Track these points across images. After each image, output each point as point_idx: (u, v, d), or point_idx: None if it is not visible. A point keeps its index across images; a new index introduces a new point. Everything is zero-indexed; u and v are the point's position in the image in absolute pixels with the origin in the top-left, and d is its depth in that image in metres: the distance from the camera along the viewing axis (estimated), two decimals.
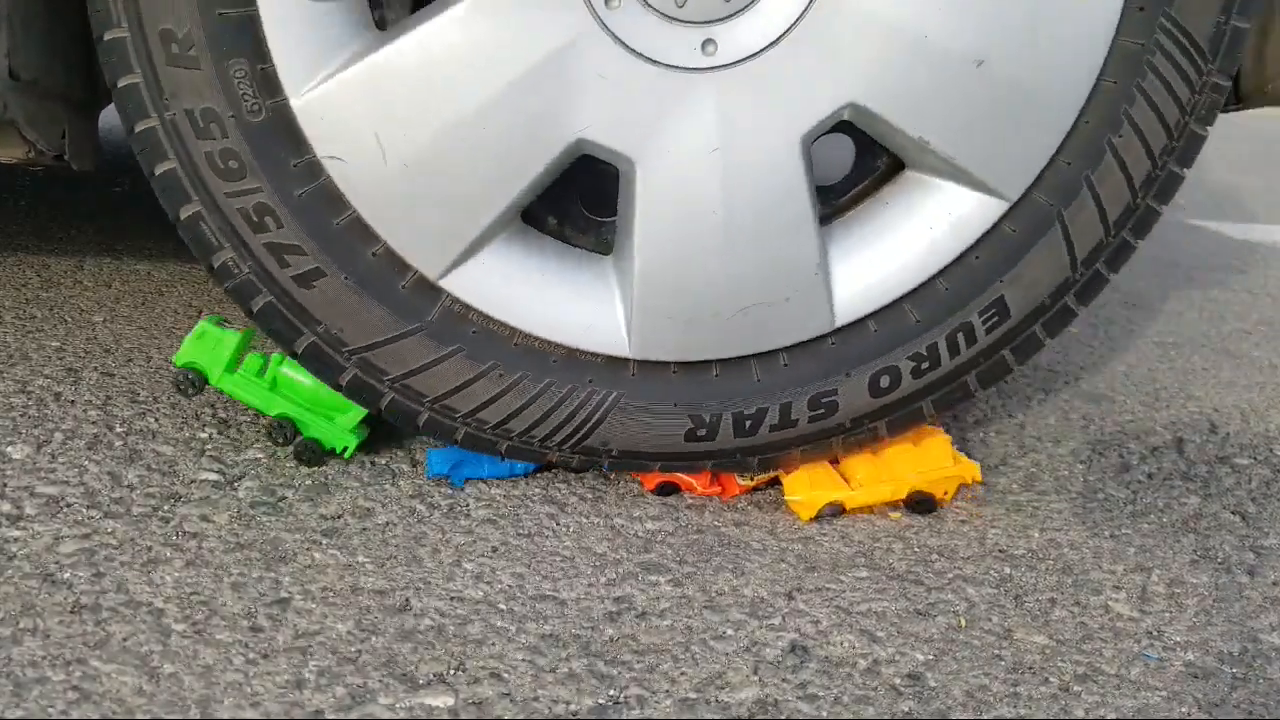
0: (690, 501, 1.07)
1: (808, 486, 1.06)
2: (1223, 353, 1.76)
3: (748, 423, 1.03)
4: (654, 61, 0.93)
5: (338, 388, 1.02)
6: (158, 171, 0.95)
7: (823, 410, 1.03)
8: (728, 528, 1.03)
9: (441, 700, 0.75)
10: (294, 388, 1.07)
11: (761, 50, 0.93)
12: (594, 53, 0.92)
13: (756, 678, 0.81)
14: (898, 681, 0.82)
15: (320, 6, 0.92)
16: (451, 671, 0.78)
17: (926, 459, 1.09)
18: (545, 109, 0.93)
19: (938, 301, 1.02)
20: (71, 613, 0.81)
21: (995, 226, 1.00)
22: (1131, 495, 1.18)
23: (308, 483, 1.04)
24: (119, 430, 1.11)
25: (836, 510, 1.06)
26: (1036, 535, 1.06)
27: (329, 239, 0.96)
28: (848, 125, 0.99)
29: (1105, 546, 1.05)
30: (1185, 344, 1.80)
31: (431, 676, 0.78)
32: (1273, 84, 1.13)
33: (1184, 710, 0.81)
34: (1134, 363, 1.67)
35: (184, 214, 0.96)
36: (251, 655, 0.78)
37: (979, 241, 1.01)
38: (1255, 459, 1.31)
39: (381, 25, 0.96)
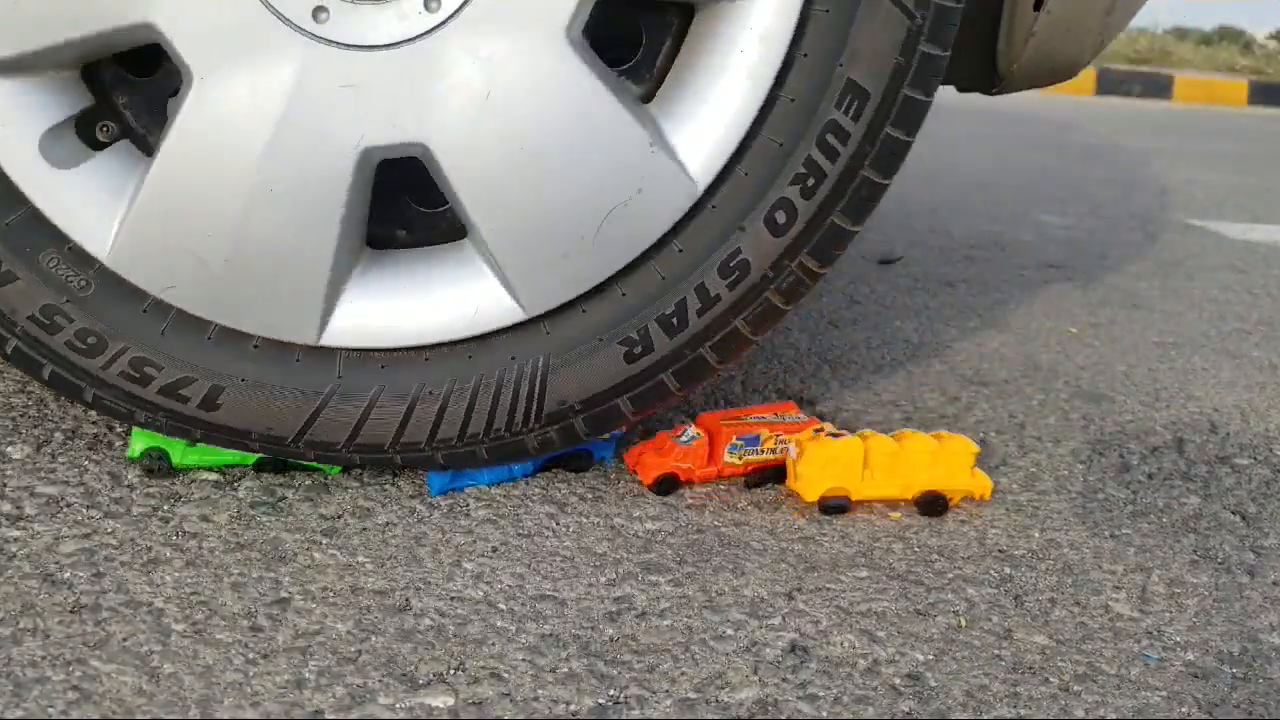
0: (690, 502, 1.07)
1: (818, 466, 1.06)
2: (1223, 353, 1.76)
3: (674, 320, 1.01)
4: (388, 45, 0.91)
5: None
6: (45, 378, 0.98)
7: (736, 273, 1.00)
8: (728, 528, 1.03)
9: (441, 700, 0.75)
10: None
11: None
12: (329, 65, 0.91)
13: (756, 678, 0.81)
14: (898, 681, 0.82)
15: (83, 169, 0.94)
16: (451, 671, 0.78)
17: (946, 463, 1.08)
18: (317, 140, 0.92)
19: (791, 116, 0.98)
20: (71, 612, 0.81)
21: (805, 12, 0.96)
22: (1131, 495, 1.18)
23: (308, 483, 1.04)
24: (119, 430, 1.11)
25: (842, 501, 1.06)
26: (1036, 535, 1.06)
27: (208, 356, 0.98)
28: None
29: (1105, 546, 1.05)
30: (1185, 344, 1.79)
31: (431, 676, 0.78)
32: (1018, 66, 1.13)
33: (1184, 710, 0.81)
34: (1134, 363, 1.67)
35: (88, 398, 0.99)
36: (251, 655, 0.78)
37: (796, 41, 0.96)
38: (1255, 459, 1.31)
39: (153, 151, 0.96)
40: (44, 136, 0.93)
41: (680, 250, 1.00)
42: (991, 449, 1.27)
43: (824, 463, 1.06)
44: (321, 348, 0.99)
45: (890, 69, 0.96)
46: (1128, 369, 1.63)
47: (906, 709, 0.78)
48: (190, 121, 0.91)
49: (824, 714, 0.77)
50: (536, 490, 1.07)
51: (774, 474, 1.11)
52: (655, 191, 0.97)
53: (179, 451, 1.03)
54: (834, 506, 1.06)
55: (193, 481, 1.03)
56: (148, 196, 0.93)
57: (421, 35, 0.91)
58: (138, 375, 0.98)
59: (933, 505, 1.07)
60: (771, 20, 0.95)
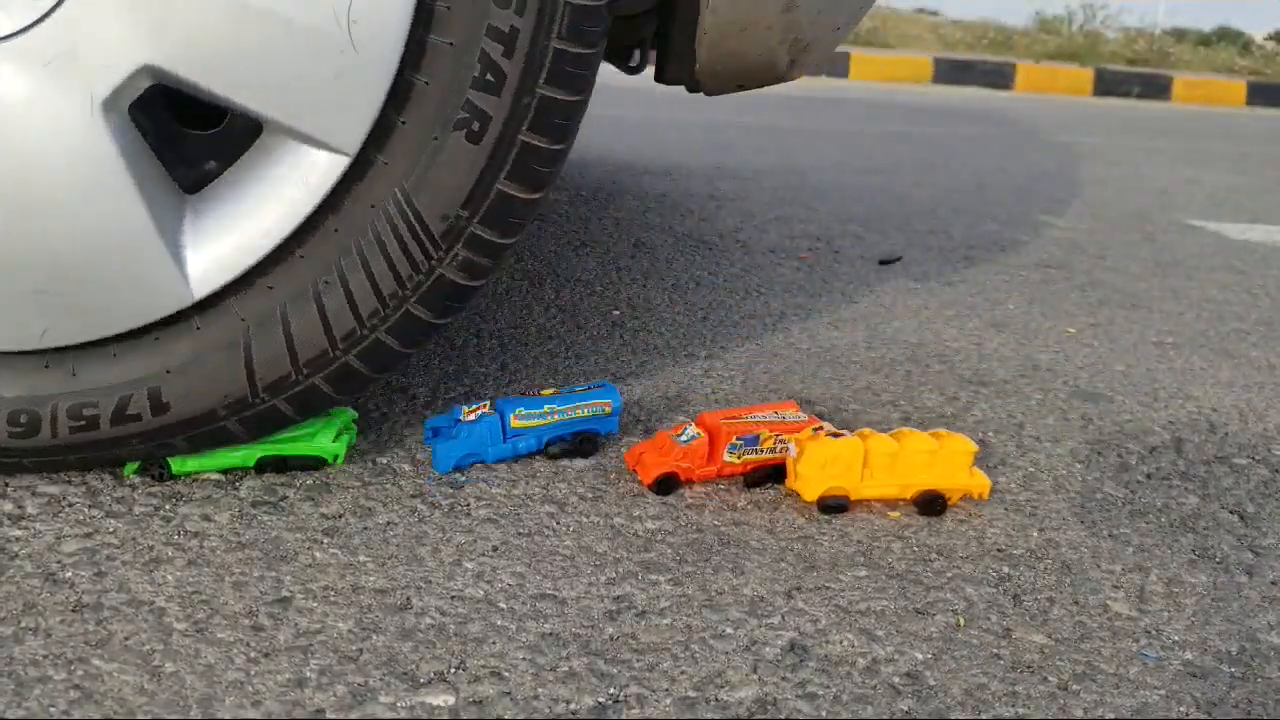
0: (690, 501, 1.07)
1: (818, 467, 1.06)
2: (1221, 353, 1.76)
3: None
4: None
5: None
6: None
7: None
8: (727, 527, 1.03)
9: (442, 699, 0.75)
10: None
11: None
12: None
13: (756, 676, 0.81)
14: (896, 680, 0.82)
15: None
16: (452, 670, 0.79)
17: (945, 462, 1.09)
18: None
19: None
20: (73, 611, 0.82)
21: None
22: (1130, 495, 1.18)
23: (309, 482, 1.04)
24: None
25: (842, 500, 1.06)
26: (1035, 535, 1.07)
27: None
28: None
29: (1104, 546, 1.06)
30: (1185, 344, 1.80)
31: (432, 675, 0.78)
32: (701, 66, 1.14)
33: (1182, 709, 0.81)
34: (1133, 363, 1.67)
35: None
36: (253, 654, 0.79)
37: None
38: (1253, 459, 1.31)
39: None
40: None
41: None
42: (990, 449, 1.27)
43: (824, 462, 1.06)
44: None
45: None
46: (1126, 369, 1.63)
47: (905, 708, 0.79)
48: None
49: (823, 713, 0.78)
50: (537, 490, 1.07)
51: (773, 474, 1.11)
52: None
53: (177, 461, 1.03)
54: (833, 506, 1.06)
55: (194, 481, 1.03)
56: None
57: None
58: None
59: (931, 505, 1.08)
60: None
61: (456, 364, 1.41)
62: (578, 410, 1.13)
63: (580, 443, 1.14)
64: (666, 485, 1.08)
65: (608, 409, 1.15)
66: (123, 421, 0.99)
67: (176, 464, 1.03)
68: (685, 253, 2.18)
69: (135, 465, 1.03)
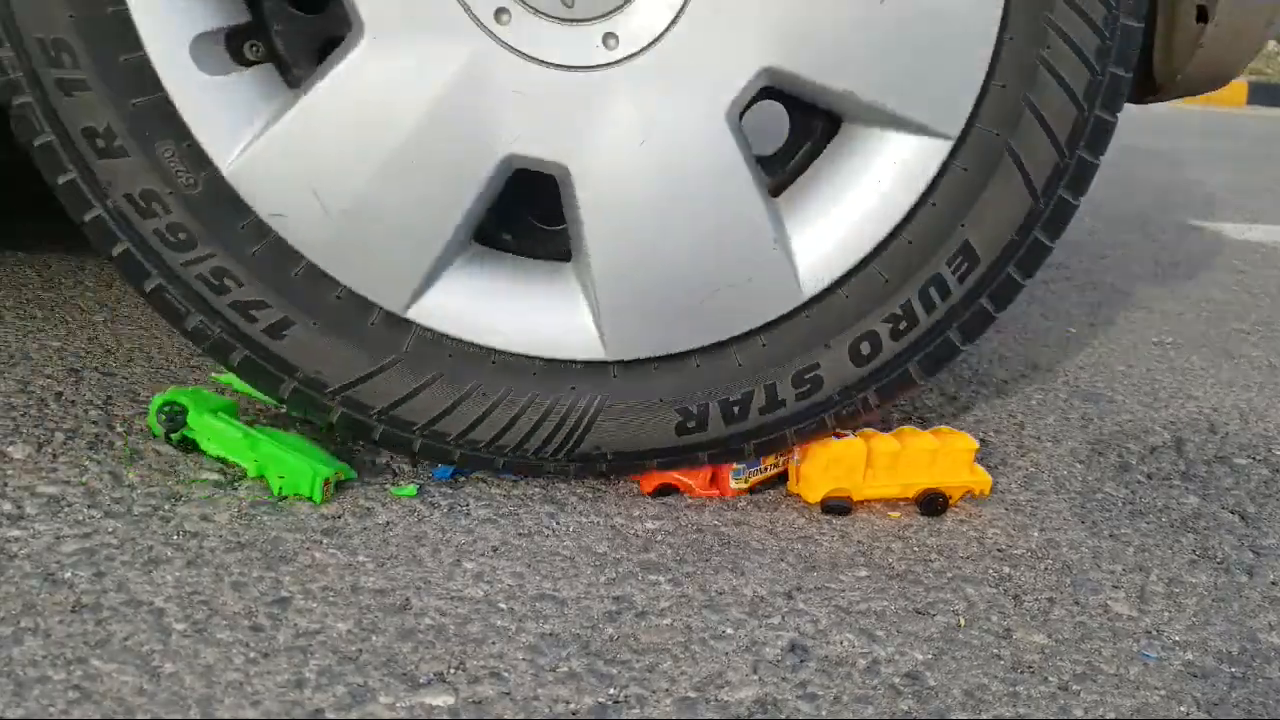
0: (690, 501, 1.07)
1: (821, 468, 1.06)
2: (1222, 353, 1.76)
3: (735, 409, 1.03)
4: (559, 65, 0.93)
5: (331, 426, 1.03)
6: (115, 254, 0.97)
7: (808, 386, 1.03)
8: (727, 527, 1.03)
9: (442, 699, 0.75)
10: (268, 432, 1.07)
11: (663, 33, 0.93)
12: (499, 67, 0.93)
13: (756, 677, 0.81)
14: (897, 681, 0.82)
15: (226, 79, 0.94)
16: (452, 670, 0.79)
17: (946, 461, 1.09)
18: (467, 131, 0.94)
19: (903, 258, 1.01)
20: (72, 612, 0.82)
21: (945, 165, 0.99)
22: (1130, 495, 1.18)
23: None
24: (120, 430, 1.12)
25: (844, 502, 1.06)
26: (1036, 535, 1.07)
27: (290, 289, 0.98)
28: (776, 90, 0.98)
29: (1104, 546, 1.06)
30: (1185, 344, 1.80)
31: (432, 675, 0.78)
32: (1182, 77, 1.14)
33: (1183, 709, 0.81)
34: (1133, 363, 1.67)
35: (148, 288, 0.98)
36: (252, 654, 0.78)
37: (929, 191, 1.00)
38: (1254, 459, 1.31)
39: (295, 84, 0.97)
40: (196, 39, 0.93)
41: (764, 345, 1.03)
42: (991, 448, 1.27)
43: (826, 464, 1.06)
44: (402, 319, 1.00)
45: (1005, 243, 1.00)
46: (1127, 369, 1.63)
47: (906, 708, 0.79)
48: (349, 74, 0.93)
49: (823, 713, 0.77)
50: (537, 490, 1.07)
51: (776, 477, 1.11)
52: (762, 285, 1.00)
53: (195, 410, 1.05)
54: (836, 508, 1.06)
55: (193, 481, 1.03)
56: (285, 128, 0.94)
57: (595, 67, 0.93)
58: (215, 283, 0.98)
59: (932, 504, 1.08)
60: (911, 159, 0.99)
61: None
62: None
63: None
64: (665, 489, 1.08)
65: None
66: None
67: (194, 414, 1.05)
68: None
69: (161, 402, 1.05)
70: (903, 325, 1.02)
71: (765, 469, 1.10)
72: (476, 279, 1.01)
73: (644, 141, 0.95)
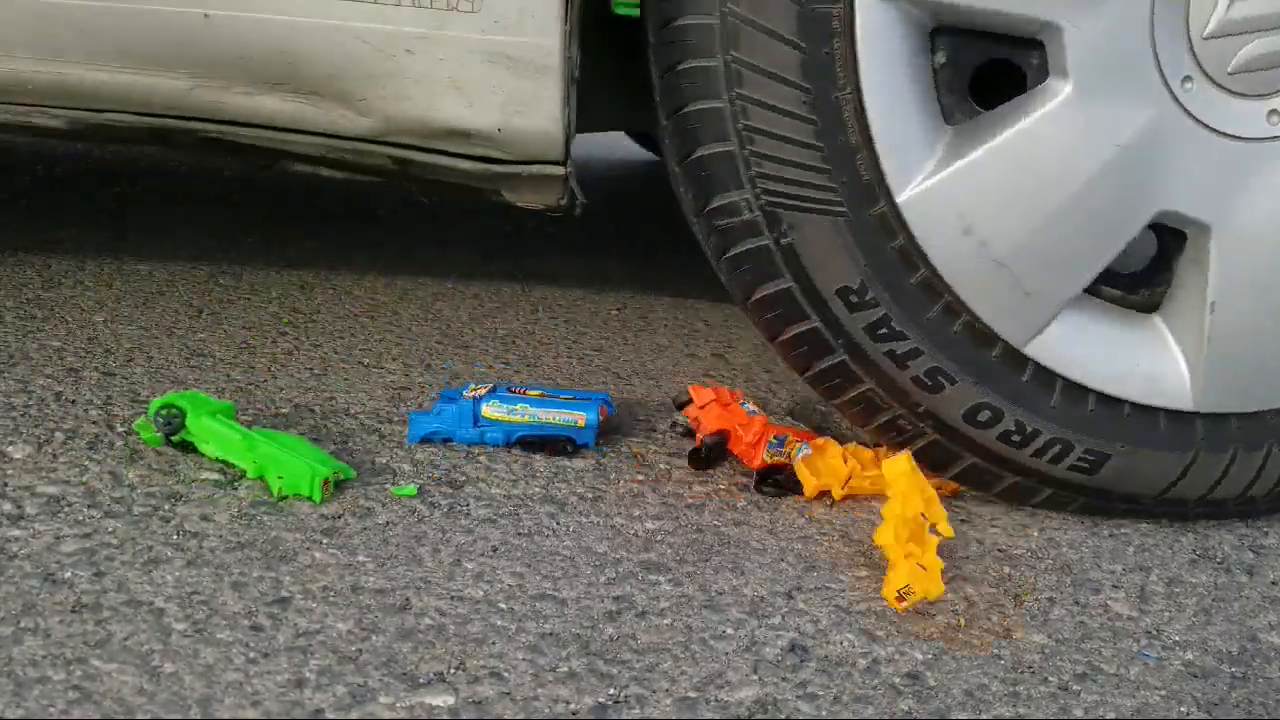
0: (690, 501, 1.07)
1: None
2: None
3: None
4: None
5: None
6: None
7: None
8: (728, 527, 1.03)
9: (442, 699, 0.75)
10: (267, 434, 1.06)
11: None
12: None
13: (756, 677, 0.81)
14: (897, 680, 0.82)
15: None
16: (452, 670, 0.79)
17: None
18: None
19: None
20: (72, 612, 0.82)
21: None
22: None
23: None
24: (120, 430, 1.12)
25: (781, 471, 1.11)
26: (1035, 534, 1.07)
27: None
28: None
29: (1104, 545, 1.06)
30: None
31: (432, 675, 0.78)
32: None
33: (1183, 709, 0.81)
34: None
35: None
36: (252, 654, 0.78)
37: None
38: None
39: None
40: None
41: None
42: None
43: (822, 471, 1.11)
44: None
45: None
46: None
47: (906, 708, 0.79)
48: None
49: (823, 713, 0.77)
50: (537, 490, 1.07)
51: (775, 480, 1.11)
52: None
53: (193, 413, 1.04)
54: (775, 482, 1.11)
55: (193, 481, 1.03)
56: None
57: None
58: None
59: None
60: None
61: (463, 362, 1.41)
62: (549, 416, 1.15)
63: (551, 442, 1.15)
64: (714, 451, 1.12)
65: (580, 422, 1.15)
66: None
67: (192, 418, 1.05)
68: (685, 252, 2.18)
69: (158, 405, 1.05)
70: None
71: (784, 454, 1.12)
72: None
73: None
